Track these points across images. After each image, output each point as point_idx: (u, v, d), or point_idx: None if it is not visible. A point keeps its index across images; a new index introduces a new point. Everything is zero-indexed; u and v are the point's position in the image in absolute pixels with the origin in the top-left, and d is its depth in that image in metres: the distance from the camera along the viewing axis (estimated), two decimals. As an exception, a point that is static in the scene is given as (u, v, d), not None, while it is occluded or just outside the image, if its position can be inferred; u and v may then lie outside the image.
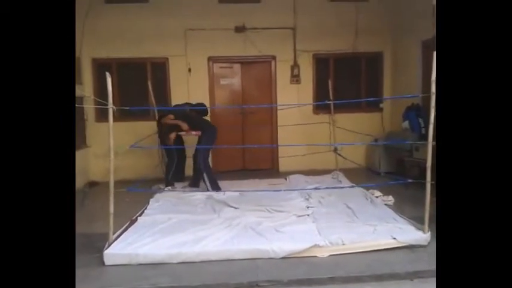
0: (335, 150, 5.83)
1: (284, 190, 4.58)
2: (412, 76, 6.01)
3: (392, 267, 2.86)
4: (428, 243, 3.17)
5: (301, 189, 4.85)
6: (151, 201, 4.59)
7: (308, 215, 3.92)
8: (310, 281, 2.74)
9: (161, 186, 5.40)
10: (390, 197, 4.53)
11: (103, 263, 2.98)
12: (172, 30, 6.39)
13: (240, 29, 6.48)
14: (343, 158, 5.58)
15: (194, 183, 5.40)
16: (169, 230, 3.53)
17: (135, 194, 4.35)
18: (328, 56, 6.80)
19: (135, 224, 3.76)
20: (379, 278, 2.76)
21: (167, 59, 6.53)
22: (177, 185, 5.51)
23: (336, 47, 6.69)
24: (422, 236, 3.21)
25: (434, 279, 2.62)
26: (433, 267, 2.70)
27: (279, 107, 6.57)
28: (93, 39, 6.23)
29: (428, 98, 3.12)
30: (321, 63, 6.85)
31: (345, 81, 6.82)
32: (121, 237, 3.33)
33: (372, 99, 6.55)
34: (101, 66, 6.31)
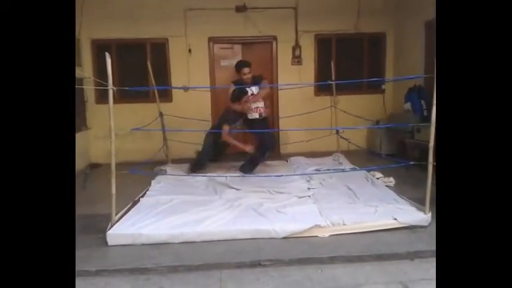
0: (337, 131, 5.81)
1: (286, 175, 4.58)
2: (414, 57, 5.94)
3: (393, 247, 2.89)
4: (429, 224, 3.20)
5: (302, 173, 4.85)
6: (153, 182, 4.61)
7: (309, 196, 3.93)
8: (311, 260, 2.77)
9: (162, 168, 5.41)
10: (391, 179, 4.54)
11: (106, 244, 3.01)
12: (172, 10, 6.27)
13: (240, 9, 6.35)
14: (346, 140, 5.56)
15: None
16: (172, 210, 3.56)
17: (137, 176, 4.36)
18: (330, 37, 6.69)
19: (138, 205, 3.78)
20: (379, 257, 2.79)
21: (167, 39, 6.44)
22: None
23: (339, 27, 6.57)
24: (423, 216, 3.23)
25: (434, 259, 2.66)
26: (434, 247, 2.75)
27: (279, 89, 6.52)
28: (92, 20, 6.13)
29: (431, 79, 3.09)
30: (323, 44, 6.74)
31: (347, 62, 6.71)
32: (124, 218, 3.36)
33: (374, 79, 6.48)
34: (100, 47, 6.23)
